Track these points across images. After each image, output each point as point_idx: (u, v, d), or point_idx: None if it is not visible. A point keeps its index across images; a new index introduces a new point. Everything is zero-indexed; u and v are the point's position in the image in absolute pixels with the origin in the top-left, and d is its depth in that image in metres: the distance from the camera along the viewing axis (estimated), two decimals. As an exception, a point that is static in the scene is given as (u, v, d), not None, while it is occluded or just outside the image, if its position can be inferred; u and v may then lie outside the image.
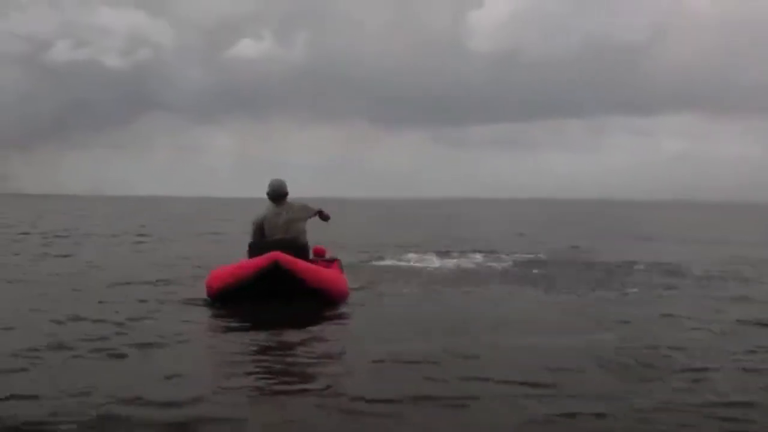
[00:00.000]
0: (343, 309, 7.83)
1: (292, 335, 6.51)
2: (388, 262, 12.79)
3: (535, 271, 11.80)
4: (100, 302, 8.04)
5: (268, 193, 8.44)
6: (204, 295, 8.04)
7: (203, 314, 7.64)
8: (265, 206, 8.51)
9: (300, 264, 7.59)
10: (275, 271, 7.37)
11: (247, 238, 8.48)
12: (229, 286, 7.66)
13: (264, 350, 6.04)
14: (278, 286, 7.43)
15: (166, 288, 9.23)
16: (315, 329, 6.86)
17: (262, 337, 6.48)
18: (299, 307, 7.46)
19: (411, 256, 13.66)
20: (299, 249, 7.96)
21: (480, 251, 15.01)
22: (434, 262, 13.01)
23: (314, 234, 8.63)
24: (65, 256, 14.00)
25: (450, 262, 12.96)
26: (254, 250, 7.99)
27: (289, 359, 5.77)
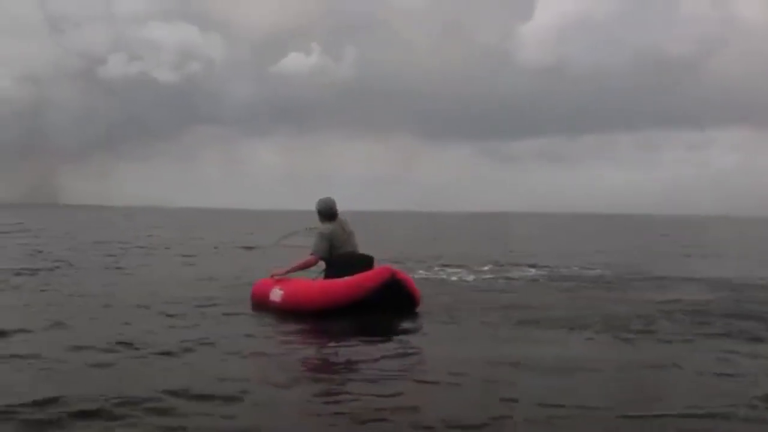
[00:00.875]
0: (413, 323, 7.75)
1: (371, 349, 6.36)
2: (424, 274, 12.52)
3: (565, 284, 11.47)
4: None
5: (321, 211, 8.48)
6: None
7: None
8: (316, 220, 8.54)
9: (404, 275, 8.24)
10: (393, 283, 7.81)
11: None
12: (346, 301, 7.72)
13: (338, 363, 5.94)
14: (394, 297, 7.82)
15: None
16: (394, 342, 6.77)
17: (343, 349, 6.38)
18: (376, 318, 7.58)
19: (451, 269, 13.42)
20: (371, 261, 8.28)
21: (534, 266, 14.60)
22: (472, 275, 12.70)
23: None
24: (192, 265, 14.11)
25: (496, 275, 12.68)
26: (337, 263, 8.17)
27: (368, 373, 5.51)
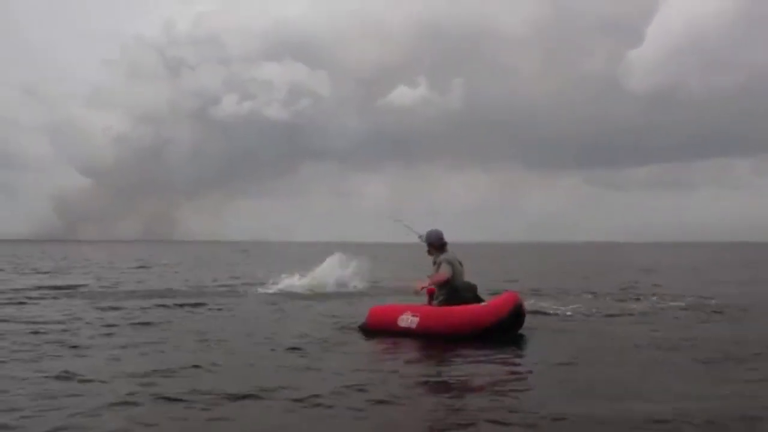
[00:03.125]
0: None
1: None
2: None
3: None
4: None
5: (433, 242, 9.14)
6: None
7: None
8: (424, 251, 9.24)
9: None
10: (519, 306, 8.64)
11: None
12: (488, 325, 8.44)
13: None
14: (519, 320, 8.69)
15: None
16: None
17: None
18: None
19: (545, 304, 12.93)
20: (476, 289, 9.00)
21: (647, 295, 14.24)
22: (570, 308, 12.19)
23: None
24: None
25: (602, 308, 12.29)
26: (459, 289, 8.84)
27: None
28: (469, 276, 9.17)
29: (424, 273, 9.43)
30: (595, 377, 6.47)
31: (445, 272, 8.78)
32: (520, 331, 8.81)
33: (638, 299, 14.10)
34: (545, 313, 11.43)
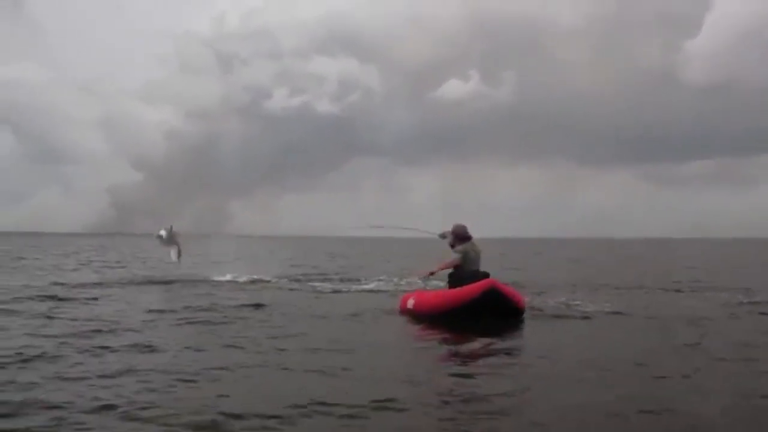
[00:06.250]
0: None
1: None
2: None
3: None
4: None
5: (458, 234, 10.40)
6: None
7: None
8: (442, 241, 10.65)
9: (506, 287, 9.84)
10: (493, 292, 9.39)
11: None
12: (455, 306, 9.55)
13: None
14: (494, 305, 9.39)
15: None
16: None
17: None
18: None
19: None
20: (487, 276, 9.88)
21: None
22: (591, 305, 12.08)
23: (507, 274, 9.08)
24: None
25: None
26: (461, 277, 10.00)
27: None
28: (507, 271, 9.75)
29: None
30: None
31: (453, 260, 10.18)
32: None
33: (690, 293, 14.14)
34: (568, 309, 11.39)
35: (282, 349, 7.63)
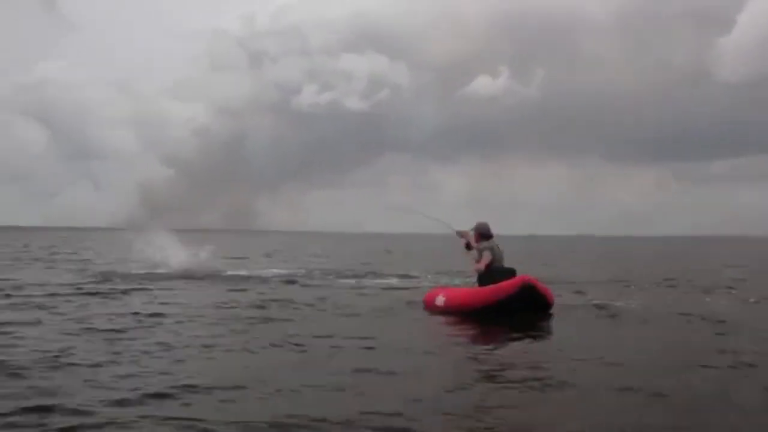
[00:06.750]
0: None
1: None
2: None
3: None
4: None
5: (482, 232, 10.66)
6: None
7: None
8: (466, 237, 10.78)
9: (539, 283, 10.05)
10: (528, 288, 9.72)
11: None
12: (493, 302, 9.75)
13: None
14: (529, 300, 9.71)
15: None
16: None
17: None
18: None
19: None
20: (514, 273, 10.25)
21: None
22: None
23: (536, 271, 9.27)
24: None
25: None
26: (489, 274, 10.26)
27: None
28: (538, 268, 9.93)
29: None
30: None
31: (486, 258, 10.35)
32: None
33: (722, 293, 14.07)
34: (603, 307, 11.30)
35: (333, 348, 7.57)
